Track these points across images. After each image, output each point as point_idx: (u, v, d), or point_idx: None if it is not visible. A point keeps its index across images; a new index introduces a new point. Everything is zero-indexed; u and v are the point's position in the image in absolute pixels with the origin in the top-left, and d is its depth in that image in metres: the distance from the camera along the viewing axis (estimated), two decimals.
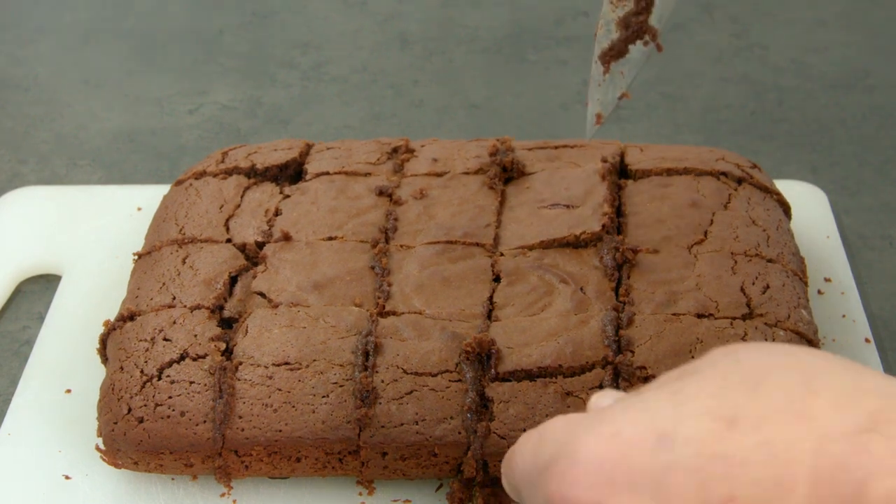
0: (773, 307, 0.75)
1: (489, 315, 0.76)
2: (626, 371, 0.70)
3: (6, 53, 1.29)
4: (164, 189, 0.94)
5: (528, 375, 0.71)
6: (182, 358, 0.73)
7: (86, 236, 0.94)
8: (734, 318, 0.74)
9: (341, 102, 1.19)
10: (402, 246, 0.82)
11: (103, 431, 0.72)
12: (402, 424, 0.69)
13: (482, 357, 0.71)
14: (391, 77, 1.23)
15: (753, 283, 0.76)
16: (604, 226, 0.81)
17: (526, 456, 0.50)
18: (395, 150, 0.92)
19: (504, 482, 0.55)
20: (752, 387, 0.44)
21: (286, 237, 0.82)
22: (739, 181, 0.87)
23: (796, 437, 0.42)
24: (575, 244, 0.80)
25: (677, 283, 0.76)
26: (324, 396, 0.71)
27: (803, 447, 0.42)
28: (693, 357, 0.69)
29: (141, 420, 0.71)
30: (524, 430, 0.61)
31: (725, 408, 0.44)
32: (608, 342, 0.72)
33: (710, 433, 0.44)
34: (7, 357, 0.86)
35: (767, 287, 0.76)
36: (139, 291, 0.80)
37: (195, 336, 0.74)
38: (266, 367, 0.72)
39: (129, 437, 0.71)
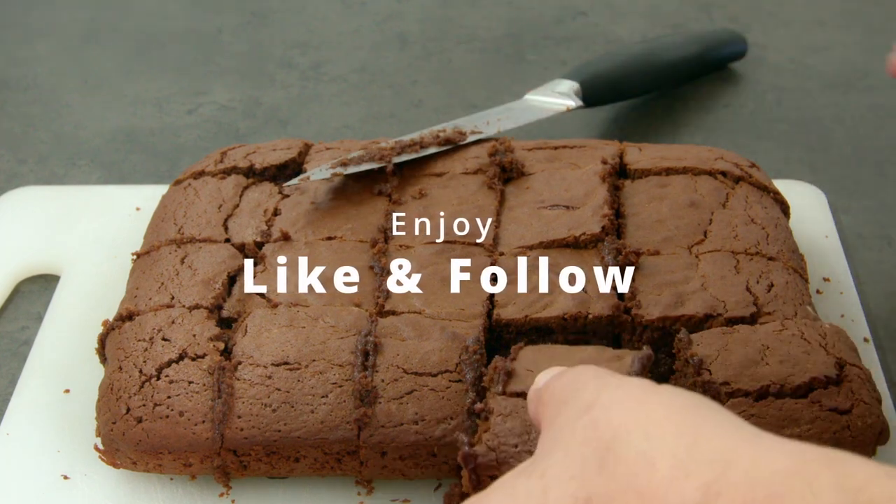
0: (780, 305, 0.75)
1: (489, 314, 0.76)
2: (712, 390, 0.68)
3: (6, 53, 1.29)
4: (162, 189, 0.94)
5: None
6: (181, 358, 0.73)
7: (84, 236, 0.94)
8: (743, 318, 0.73)
9: (340, 102, 1.19)
10: (401, 246, 0.82)
11: (102, 431, 0.72)
12: (401, 424, 0.69)
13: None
14: (390, 77, 1.22)
15: (758, 282, 0.76)
16: (603, 227, 0.80)
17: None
18: None
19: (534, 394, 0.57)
20: (600, 463, 0.47)
21: (285, 237, 0.82)
22: (737, 180, 0.87)
23: None
24: (575, 245, 0.80)
25: (682, 285, 0.76)
26: (323, 396, 0.70)
27: None
28: (767, 364, 0.69)
29: (140, 420, 0.71)
30: (515, 446, 0.61)
31: (581, 490, 0.47)
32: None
33: None
34: (6, 357, 0.86)
35: (772, 285, 0.76)
36: (138, 291, 0.80)
37: (194, 336, 0.74)
38: (265, 367, 0.72)
39: (128, 437, 0.71)
